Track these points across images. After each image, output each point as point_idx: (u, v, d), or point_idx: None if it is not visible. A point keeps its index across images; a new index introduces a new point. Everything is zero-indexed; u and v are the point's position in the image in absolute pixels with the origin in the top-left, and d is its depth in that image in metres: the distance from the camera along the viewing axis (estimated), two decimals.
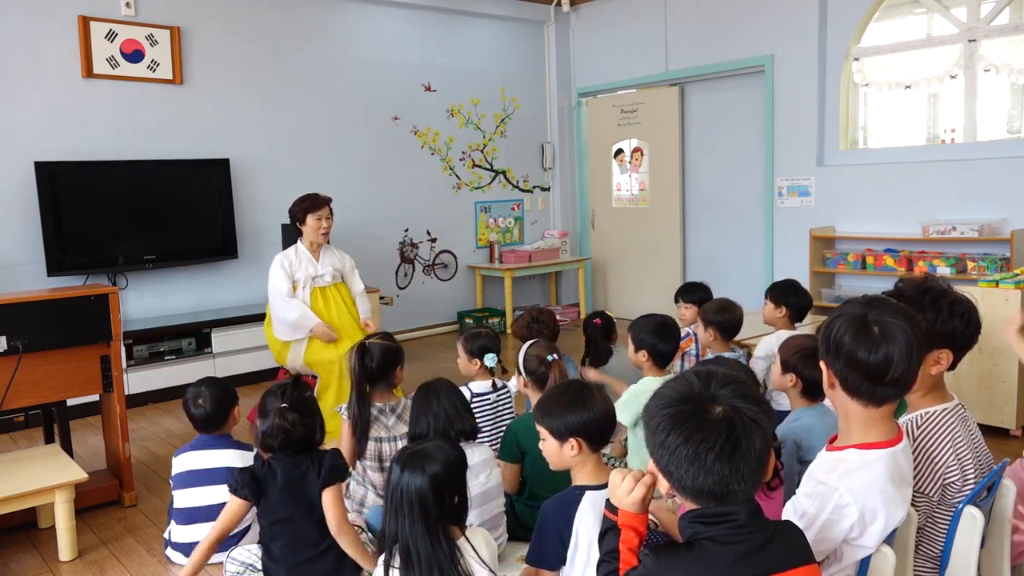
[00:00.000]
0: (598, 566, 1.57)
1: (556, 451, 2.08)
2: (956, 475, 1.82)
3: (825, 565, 1.58)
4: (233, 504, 2.45)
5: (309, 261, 4.23)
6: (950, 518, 1.82)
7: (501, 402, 3.29)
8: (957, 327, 1.91)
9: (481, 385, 3.24)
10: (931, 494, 1.81)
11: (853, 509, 1.52)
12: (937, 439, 1.85)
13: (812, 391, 2.43)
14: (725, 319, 3.43)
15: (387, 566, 1.89)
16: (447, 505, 1.91)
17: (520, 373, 2.89)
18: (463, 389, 3.09)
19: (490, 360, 3.17)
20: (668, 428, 1.32)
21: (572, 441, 2.05)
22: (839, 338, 1.56)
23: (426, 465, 1.90)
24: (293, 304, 4.10)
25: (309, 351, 4.16)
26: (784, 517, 1.60)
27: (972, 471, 1.85)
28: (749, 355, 4.14)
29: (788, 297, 3.66)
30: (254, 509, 2.90)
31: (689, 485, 1.31)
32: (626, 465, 3.03)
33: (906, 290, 1.99)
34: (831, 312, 1.68)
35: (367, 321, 4.37)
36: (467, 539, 1.94)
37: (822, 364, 1.63)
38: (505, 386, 3.33)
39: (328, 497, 2.41)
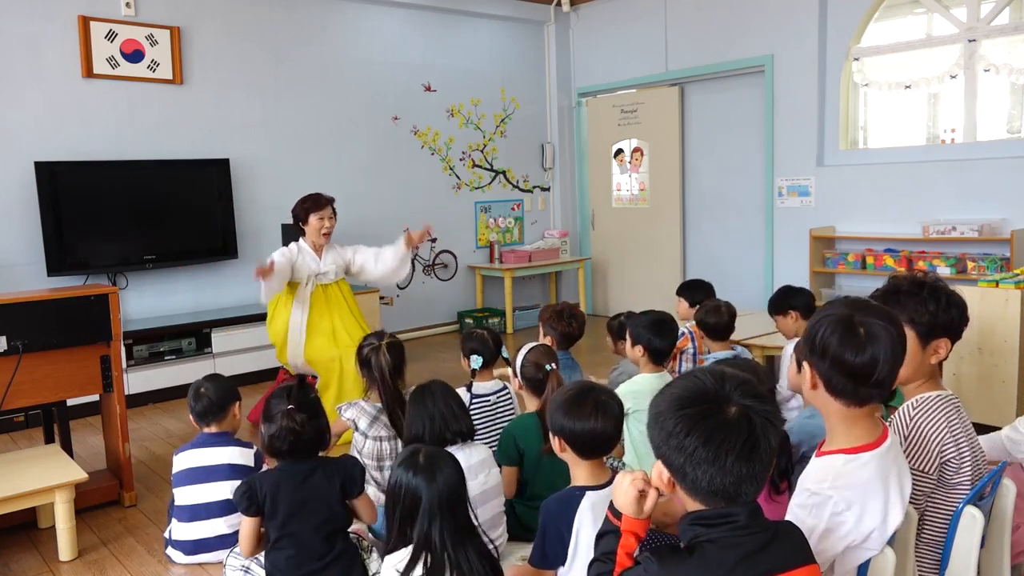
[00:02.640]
0: (590, 565, 1.56)
1: (555, 441, 2.10)
2: (952, 451, 1.84)
3: (829, 570, 1.58)
4: (244, 524, 2.42)
5: (312, 258, 4.24)
6: (950, 516, 1.83)
7: (501, 404, 3.29)
8: (955, 317, 1.97)
9: (482, 386, 3.24)
10: (930, 471, 1.83)
11: (849, 515, 1.52)
12: (931, 418, 1.88)
13: None
14: (711, 321, 3.43)
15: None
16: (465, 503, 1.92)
17: (516, 376, 2.89)
18: (462, 391, 3.10)
19: (475, 362, 3.19)
20: (687, 429, 1.30)
21: (557, 440, 2.08)
22: (825, 339, 1.56)
23: (446, 466, 1.89)
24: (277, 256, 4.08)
25: (309, 348, 4.17)
26: None
27: (968, 452, 1.86)
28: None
29: (790, 300, 3.66)
30: None
31: (705, 487, 1.30)
32: (624, 464, 3.03)
33: (903, 284, 2.02)
34: (814, 313, 1.67)
35: (420, 233, 4.37)
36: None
37: (805, 365, 1.63)
38: (506, 387, 3.33)
39: (360, 505, 2.45)
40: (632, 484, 1.47)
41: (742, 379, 1.35)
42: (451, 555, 1.81)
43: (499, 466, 2.71)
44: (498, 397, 3.27)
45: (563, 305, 3.68)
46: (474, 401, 3.18)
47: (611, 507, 1.55)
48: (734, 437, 1.28)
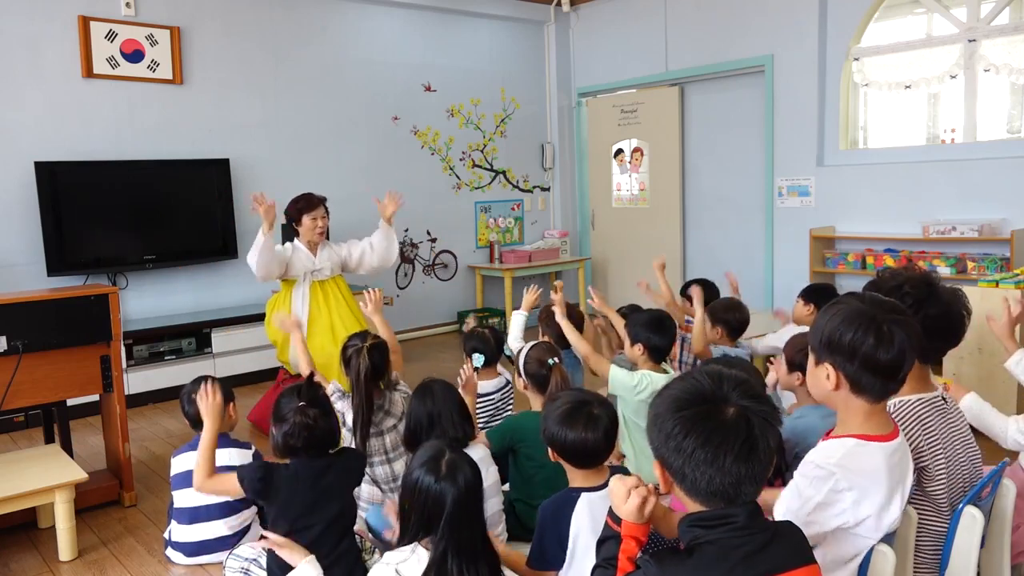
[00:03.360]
0: (593, 571, 1.55)
1: (548, 449, 2.11)
2: (927, 460, 1.85)
3: (823, 553, 1.58)
4: (232, 486, 2.42)
5: (306, 256, 4.24)
6: (947, 516, 1.83)
7: (504, 400, 3.30)
8: (910, 311, 1.93)
9: (485, 385, 3.24)
10: None
11: (848, 496, 1.53)
12: (905, 425, 1.87)
13: None
14: (733, 318, 3.46)
15: None
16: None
17: (520, 374, 2.89)
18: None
19: (477, 360, 3.19)
20: (685, 431, 1.30)
21: (549, 449, 2.10)
22: (856, 340, 1.55)
23: (468, 469, 1.85)
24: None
25: (308, 346, 4.16)
26: (780, 500, 1.60)
27: (943, 458, 1.86)
28: (751, 354, 4.15)
29: (821, 299, 3.67)
30: (253, 508, 2.92)
31: (704, 488, 1.30)
32: (623, 464, 3.03)
33: (879, 282, 2.08)
34: (824, 312, 1.65)
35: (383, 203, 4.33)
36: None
37: (826, 366, 1.61)
38: (508, 383, 3.33)
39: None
40: (636, 494, 1.46)
41: (740, 379, 1.35)
42: (463, 571, 1.78)
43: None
44: (502, 394, 3.27)
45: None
46: (477, 400, 3.18)
47: (610, 513, 1.54)
48: (732, 438, 1.28)
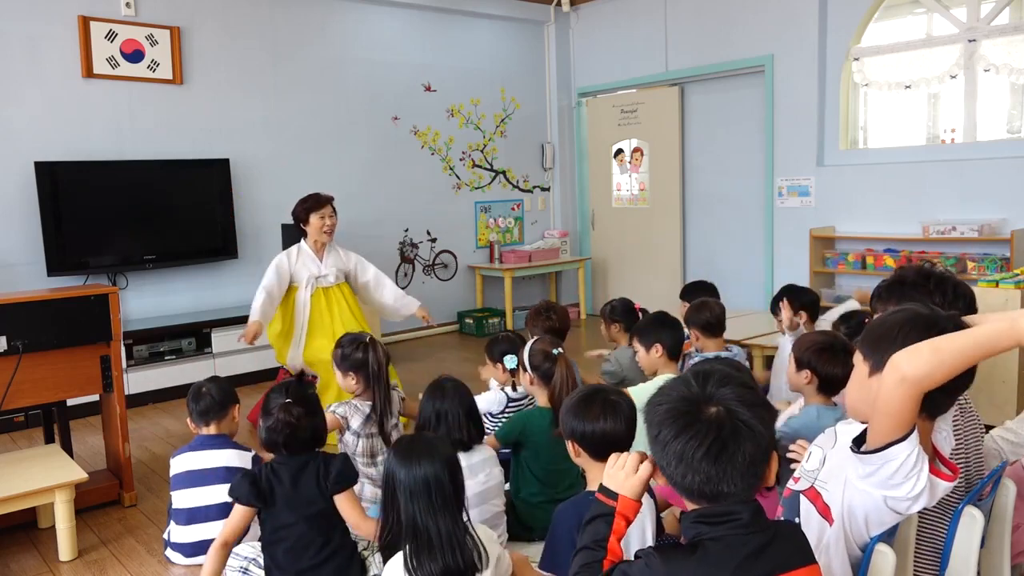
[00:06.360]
0: (576, 553, 1.52)
1: (569, 446, 2.10)
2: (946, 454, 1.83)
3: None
4: (237, 512, 2.43)
5: (312, 261, 4.24)
6: (948, 517, 1.82)
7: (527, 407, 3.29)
8: (962, 309, 1.92)
9: (518, 391, 3.22)
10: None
11: (923, 480, 1.44)
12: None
13: (827, 387, 2.42)
14: (702, 318, 3.34)
15: (408, 558, 1.81)
16: (459, 486, 1.90)
17: (526, 370, 2.88)
18: (496, 391, 3.09)
19: (510, 361, 3.13)
20: (661, 424, 1.33)
21: (571, 444, 2.06)
22: None
23: (436, 451, 1.89)
24: (259, 296, 4.11)
25: (308, 350, 4.17)
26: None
27: (962, 458, 1.85)
28: (750, 355, 4.13)
29: (801, 299, 3.66)
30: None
31: (679, 482, 1.32)
32: None
33: (908, 275, 2.02)
34: (889, 324, 1.53)
35: (424, 314, 4.40)
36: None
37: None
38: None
39: (341, 502, 2.37)
40: (649, 463, 1.46)
41: (731, 378, 1.34)
42: (443, 530, 1.80)
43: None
44: (529, 400, 3.25)
45: (541, 303, 3.67)
46: (510, 404, 3.17)
47: (602, 489, 1.53)
48: (701, 436, 1.28)
